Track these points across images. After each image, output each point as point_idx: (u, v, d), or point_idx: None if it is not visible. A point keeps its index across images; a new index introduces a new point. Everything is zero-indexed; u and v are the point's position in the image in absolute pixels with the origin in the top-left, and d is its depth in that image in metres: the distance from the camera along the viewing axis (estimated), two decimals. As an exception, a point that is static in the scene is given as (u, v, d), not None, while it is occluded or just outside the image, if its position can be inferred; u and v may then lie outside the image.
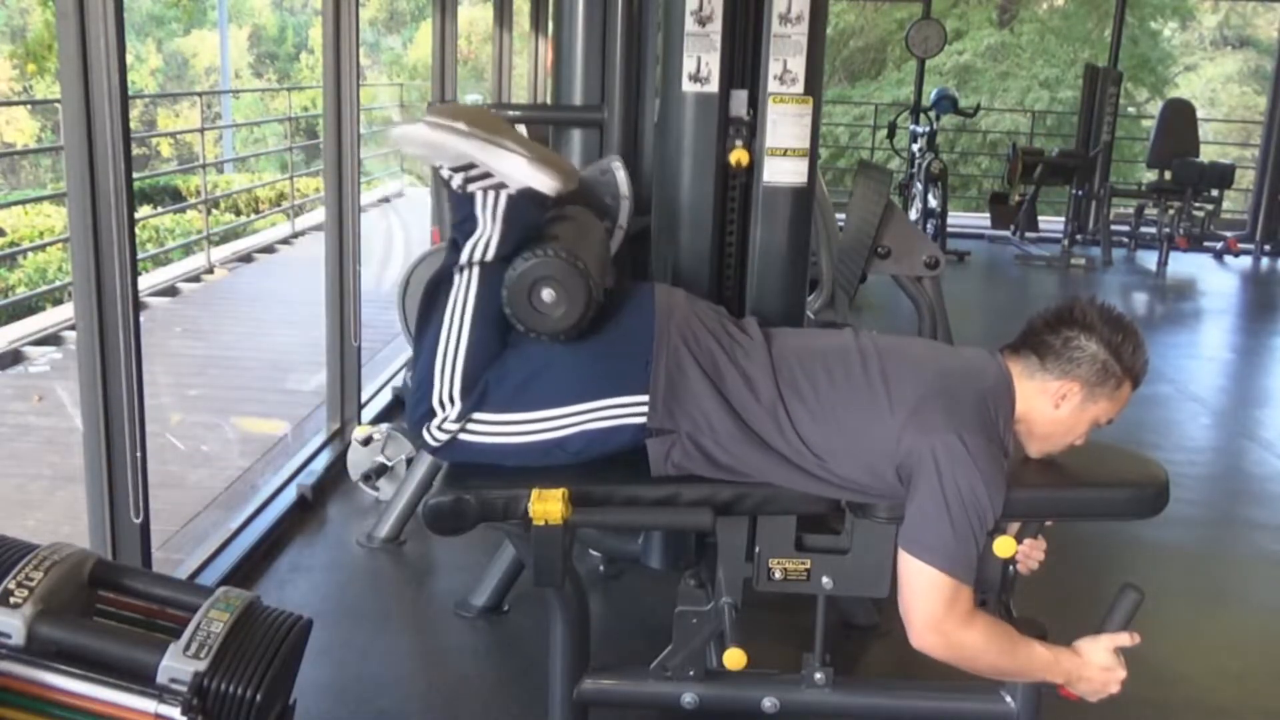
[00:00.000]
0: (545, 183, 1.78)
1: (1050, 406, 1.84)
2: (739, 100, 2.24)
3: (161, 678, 1.47)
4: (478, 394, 1.79)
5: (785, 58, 2.21)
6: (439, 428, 1.80)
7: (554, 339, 1.79)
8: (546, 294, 1.74)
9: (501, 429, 1.80)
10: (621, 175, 2.39)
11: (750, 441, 1.80)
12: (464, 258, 1.81)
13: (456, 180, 1.80)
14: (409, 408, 1.86)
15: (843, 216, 3.79)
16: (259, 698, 1.48)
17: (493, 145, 1.77)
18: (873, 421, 1.78)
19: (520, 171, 1.77)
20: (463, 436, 1.81)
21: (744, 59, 2.24)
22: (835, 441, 1.79)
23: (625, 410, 1.79)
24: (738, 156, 2.24)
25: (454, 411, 1.79)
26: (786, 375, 1.82)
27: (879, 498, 1.82)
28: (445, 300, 1.81)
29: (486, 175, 1.78)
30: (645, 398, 1.78)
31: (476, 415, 1.80)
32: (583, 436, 1.79)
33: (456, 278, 1.81)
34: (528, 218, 1.82)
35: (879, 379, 1.81)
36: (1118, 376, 1.82)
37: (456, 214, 1.83)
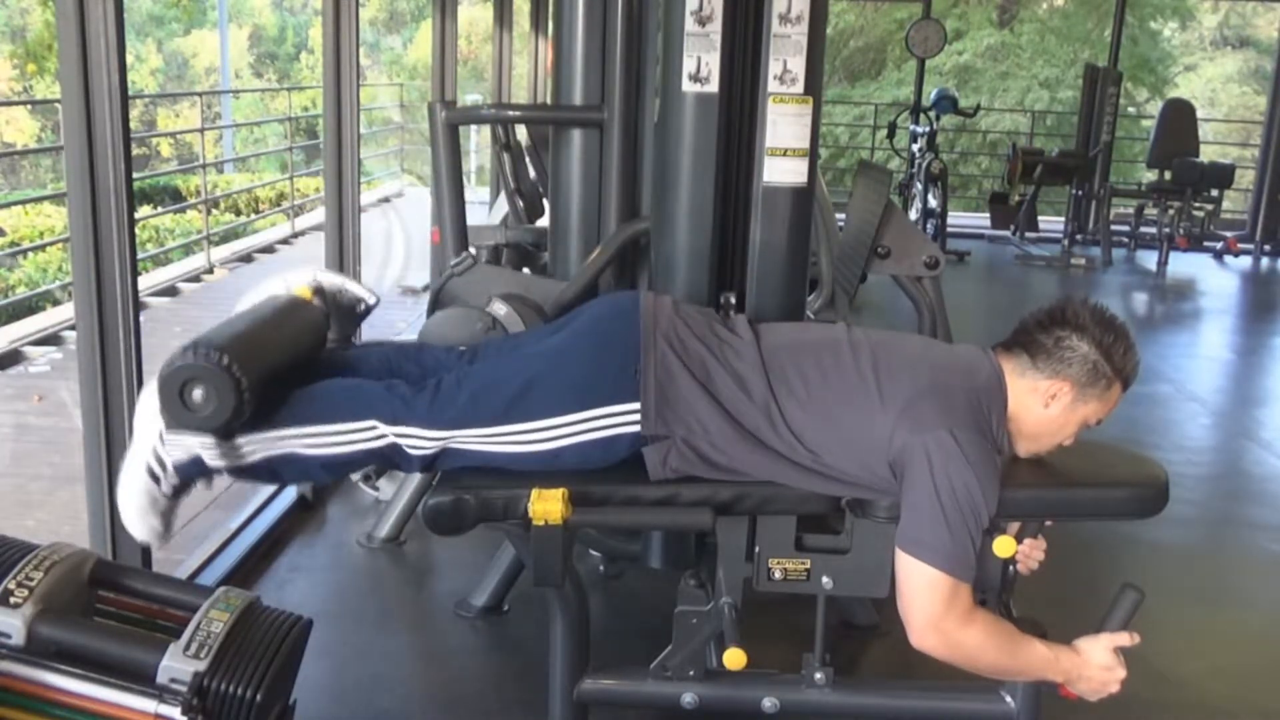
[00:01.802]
0: (150, 395, 1.74)
1: (1040, 406, 1.84)
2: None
3: (161, 678, 1.47)
4: (460, 409, 1.78)
5: (785, 58, 2.21)
6: (404, 439, 1.78)
7: (221, 431, 1.72)
8: (197, 393, 1.68)
9: (496, 440, 1.79)
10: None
11: (745, 441, 1.80)
12: (230, 469, 1.76)
13: (169, 491, 1.77)
14: (392, 467, 1.91)
15: (843, 216, 3.79)
16: (259, 698, 1.48)
17: (125, 471, 1.77)
18: (865, 415, 1.79)
19: (140, 427, 1.77)
20: (456, 446, 1.80)
21: (744, 59, 2.24)
22: (828, 435, 1.79)
23: (619, 419, 1.78)
24: None
25: (384, 426, 1.77)
26: (777, 370, 1.82)
27: (875, 492, 1.82)
28: (276, 464, 1.79)
29: (155, 468, 1.75)
30: (637, 405, 1.78)
31: (466, 431, 1.79)
32: (580, 448, 1.79)
33: (251, 458, 1.77)
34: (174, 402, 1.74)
35: (870, 371, 1.81)
36: (1108, 377, 1.82)
37: (198, 482, 1.80)
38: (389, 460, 1.83)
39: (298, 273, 2.04)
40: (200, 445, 1.73)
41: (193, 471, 1.76)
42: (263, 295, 1.96)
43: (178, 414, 1.69)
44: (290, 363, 1.85)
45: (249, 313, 1.89)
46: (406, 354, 2.01)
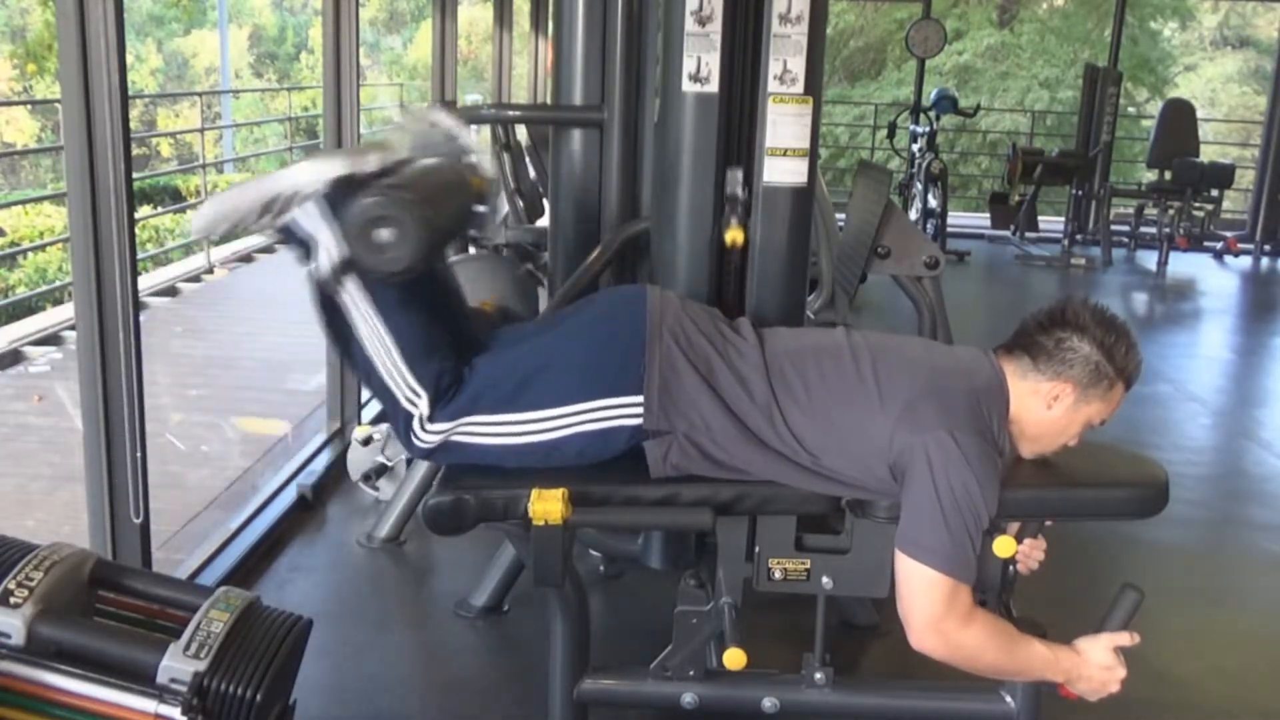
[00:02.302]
0: (337, 166, 1.75)
1: (1043, 407, 1.84)
2: (734, 179, 2.24)
3: (161, 678, 1.47)
4: (469, 397, 1.79)
5: (785, 58, 2.21)
6: (421, 428, 1.80)
7: (401, 278, 1.73)
8: (385, 232, 1.68)
9: (497, 430, 1.80)
10: (447, 120, 2.25)
11: (747, 439, 1.80)
12: (325, 277, 1.77)
13: (269, 225, 1.77)
14: (392, 425, 1.87)
15: (843, 216, 3.79)
16: (259, 698, 1.48)
17: (265, 177, 1.76)
18: (865, 418, 1.79)
19: (303, 174, 1.75)
20: (457, 438, 1.80)
21: (744, 59, 2.24)
22: (828, 438, 1.79)
23: (621, 411, 1.79)
24: (733, 236, 2.23)
25: (424, 402, 1.78)
26: (779, 374, 1.82)
27: (875, 494, 1.82)
28: (345, 321, 1.79)
29: (286, 199, 1.75)
30: (640, 399, 1.78)
31: (471, 418, 1.79)
32: (579, 439, 1.79)
33: (338, 295, 1.78)
34: (350, 202, 1.74)
35: (871, 376, 1.81)
36: (1110, 378, 1.82)
37: (295, 249, 1.79)
38: (396, 419, 1.82)
39: (476, 157, 2.02)
40: (332, 242, 1.72)
41: (296, 240, 1.76)
42: (450, 144, 1.92)
43: (353, 232, 1.69)
44: (444, 250, 1.89)
45: (447, 181, 1.90)
46: (468, 329, 1.99)
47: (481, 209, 2.00)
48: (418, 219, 1.68)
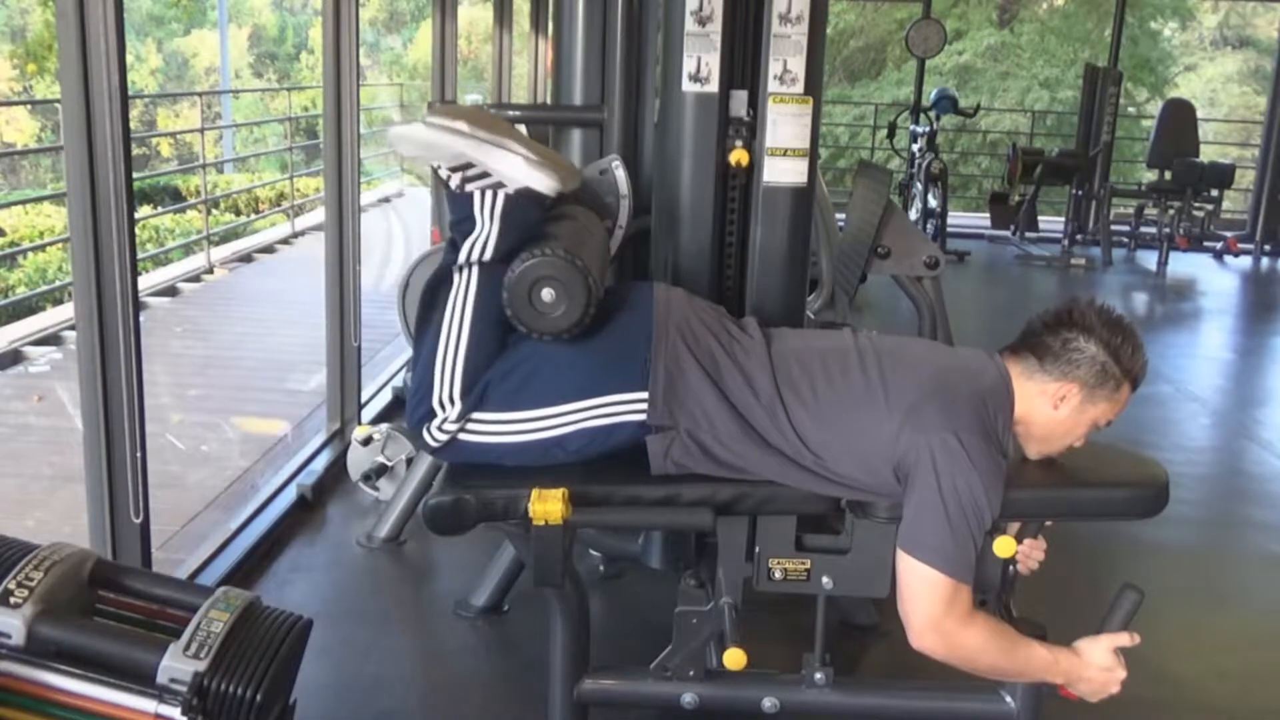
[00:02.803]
0: (544, 182, 1.79)
1: (1049, 408, 1.84)
2: (739, 100, 2.24)
3: (161, 678, 1.47)
4: (477, 394, 1.80)
5: (785, 58, 2.21)
6: (439, 428, 1.81)
7: (555, 338, 1.79)
8: (547, 293, 1.75)
9: (501, 428, 1.80)
10: (621, 174, 2.39)
11: (750, 438, 1.80)
12: (462, 257, 1.81)
13: (455, 180, 1.81)
14: (409, 408, 1.87)
15: (843, 216, 3.79)
16: (259, 698, 1.48)
17: (491, 145, 1.78)
18: (870, 421, 1.79)
19: (518, 171, 1.78)
20: (462, 436, 1.81)
21: (744, 59, 2.24)
22: (833, 440, 1.79)
23: (625, 407, 1.79)
24: (738, 156, 2.24)
25: (454, 412, 1.79)
26: (785, 374, 1.82)
27: (878, 496, 1.82)
28: (445, 300, 1.82)
29: (484, 175, 1.79)
30: (644, 394, 1.78)
31: (476, 415, 1.80)
32: (582, 434, 1.80)
33: (455, 278, 1.82)
34: (526, 217, 1.82)
35: (877, 379, 1.81)
36: (1117, 378, 1.82)
37: (455, 213, 1.83)
38: (419, 410, 1.83)
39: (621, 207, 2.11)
40: (488, 239, 1.79)
41: (460, 202, 1.81)
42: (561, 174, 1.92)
43: (527, 315, 1.76)
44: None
45: (593, 234, 1.98)
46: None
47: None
48: (583, 287, 1.75)
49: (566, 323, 1.77)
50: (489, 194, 1.79)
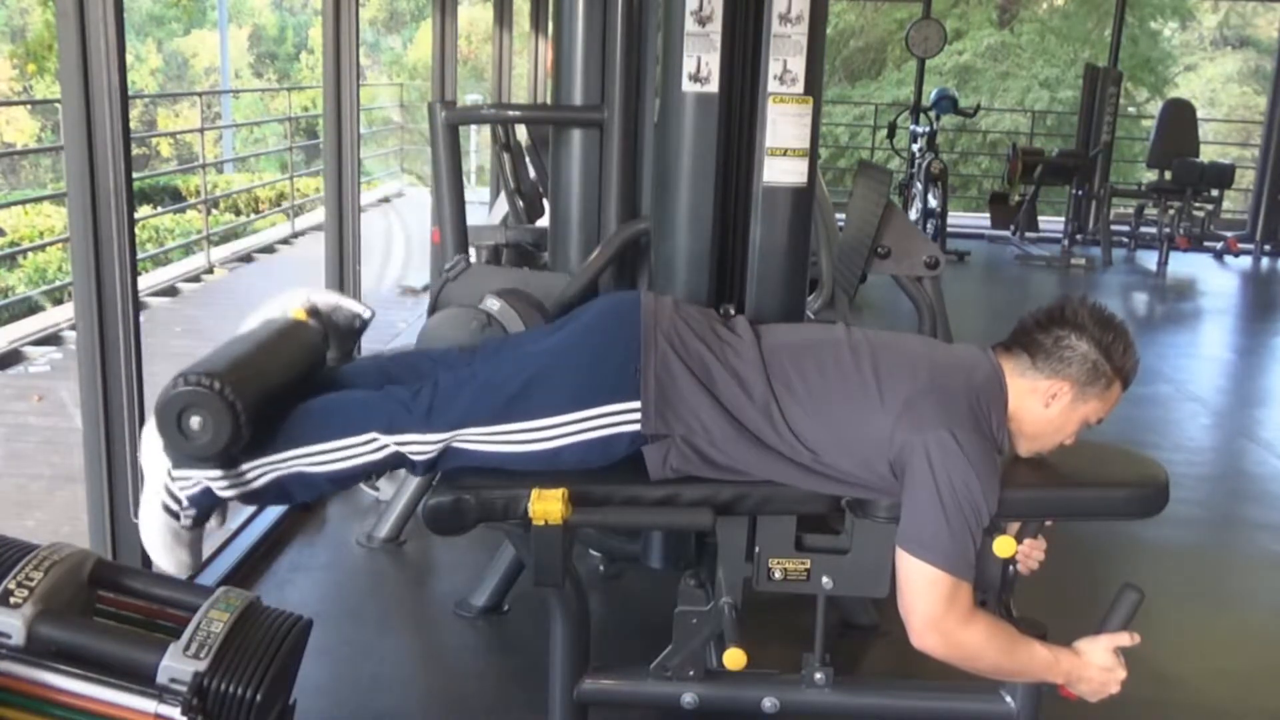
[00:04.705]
0: (150, 433, 1.76)
1: (1040, 405, 1.84)
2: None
3: (161, 678, 1.47)
4: (464, 403, 1.79)
5: (785, 58, 2.21)
6: (411, 451, 1.79)
7: (211, 464, 1.74)
8: (194, 421, 1.67)
9: (496, 439, 1.79)
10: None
11: (746, 440, 1.80)
12: (240, 497, 1.79)
13: (188, 522, 1.79)
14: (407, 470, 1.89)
15: (843, 216, 3.79)
16: (259, 698, 1.48)
17: (142, 511, 1.79)
18: (865, 415, 1.79)
19: (148, 466, 1.78)
20: (457, 445, 1.80)
21: (744, 59, 2.24)
22: (828, 435, 1.79)
23: (618, 418, 1.78)
24: None
25: (383, 436, 1.78)
26: (778, 370, 1.82)
27: (875, 492, 1.82)
28: (284, 485, 1.80)
29: (171, 503, 1.78)
30: (637, 404, 1.78)
31: (466, 430, 1.79)
32: (579, 448, 1.79)
33: (258, 482, 1.79)
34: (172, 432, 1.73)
35: (870, 372, 1.81)
36: (1108, 376, 1.83)
37: (207, 508, 1.80)
38: (391, 466, 1.84)
39: (291, 295, 2.04)
40: (206, 476, 1.75)
41: (206, 502, 1.78)
42: (258, 320, 1.97)
43: (178, 444, 1.69)
44: (288, 384, 1.85)
45: (244, 337, 1.89)
46: (403, 361, 2.01)
47: (339, 317, 2.04)
48: (207, 392, 1.65)
49: (215, 448, 1.68)
50: (168, 481, 1.78)
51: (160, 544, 1.79)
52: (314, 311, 2.03)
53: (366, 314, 2.11)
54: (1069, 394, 1.83)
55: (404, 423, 1.78)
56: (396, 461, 1.81)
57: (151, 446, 1.77)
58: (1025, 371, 1.85)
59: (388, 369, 1.97)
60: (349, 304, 2.10)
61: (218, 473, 1.75)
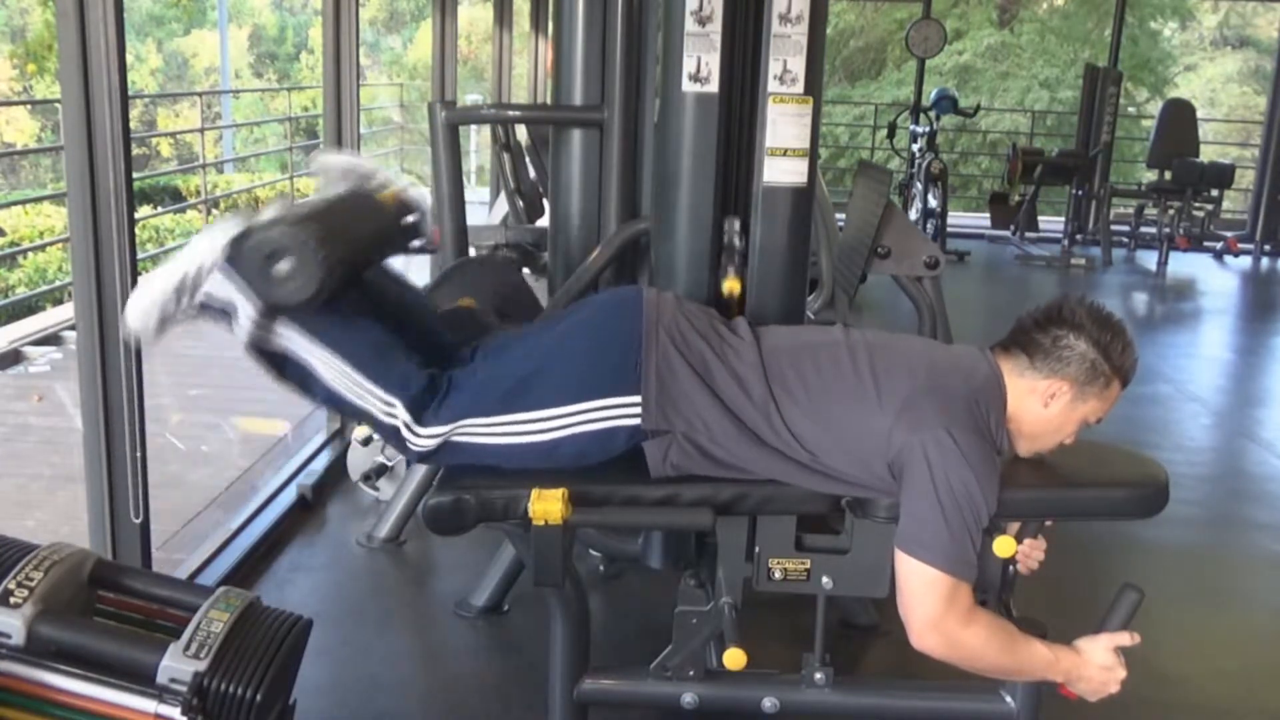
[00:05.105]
0: (226, 229, 1.74)
1: (1039, 405, 1.84)
2: (731, 228, 2.24)
3: (161, 678, 1.47)
4: (465, 396, 1.78)
5: (785, 58, 2.21)
6: (411, 434, 1.79)
7: (301, 309, 1.73)
8: (283, 265, 1.68)
9: (495, 431, 1.79)
10: (339, 159, 2.17)
11: (746, 438, 1.80)
12: (251, 338, 1.77)
13: (187, 308, 1.76)
14: (384, 441, 1.87)
15: (843, 216, 3.79)
16: (259, 698, 1.48)
17: (170, 263, 1.76)
18: (863, 416, 1.79)
19: (201, 246, 1.74)
20: (456, 439, 1.80)
21: (744, 59, 2.24)
22: (826, 436, 1.79)
23: (618, 411, 1.79)
24: (730, 286, 2.22)
25: (401, 410, 1.77)
26: (776, 372, 1.82)
27: (874, 492, 1.82)
28: (293, 363, 1.80)
29: (192, 280, 1.75)
30: (638, 398, 1.78)
31: (468, 421, 1.79)
32: (578, 440, 1.79)
33: (275, 344, 1.79)
34: (249, 262, 1.74)
35: (869, 373, 1.81)
36: (1107, 375, 1.82)
37: (214, 320, 1.79)
38: (383, 432, 1.83)
39: (388, 173, 2.01)
40: (245, 301, 1.73)
41: (218, 312, 1.76)
42: (353, 173, 1.92)
43: (252, 274, 1.69)
44: (366, 267, 1.87)
45: (347, 203, 1.90)
46: (435, 329, 2.00)
47: (411, 219, 2.00)
48: (306, 242, 1.67)
49: (303, 295, 1.69)
50: (210, 280, 1.74)
51: (147, 299, 1.74)
52: (401, 204, 1.99)
53: (432, 248, 2.07)
54: (1068, 393, 1.83)
55: (421, 412, 1.78)
56: (389, 433, 1.80)
57: (214, 240, 1.74)
58: (1024, 371, 1.85)
59: (428, 332, 1.96)
60: (426, 223, 2.07)
61: (255, 308, 1.73)
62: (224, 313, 1.76)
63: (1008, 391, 1.85)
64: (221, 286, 1.73)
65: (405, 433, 1.79)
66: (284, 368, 1.81)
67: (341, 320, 1.79)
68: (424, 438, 1.79)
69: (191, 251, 1.75)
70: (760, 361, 1.84)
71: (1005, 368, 1.86)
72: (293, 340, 1.77)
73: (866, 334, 1.92)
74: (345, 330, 1.79)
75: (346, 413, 1.84)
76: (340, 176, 1.99)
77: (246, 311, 1.73)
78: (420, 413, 1.78)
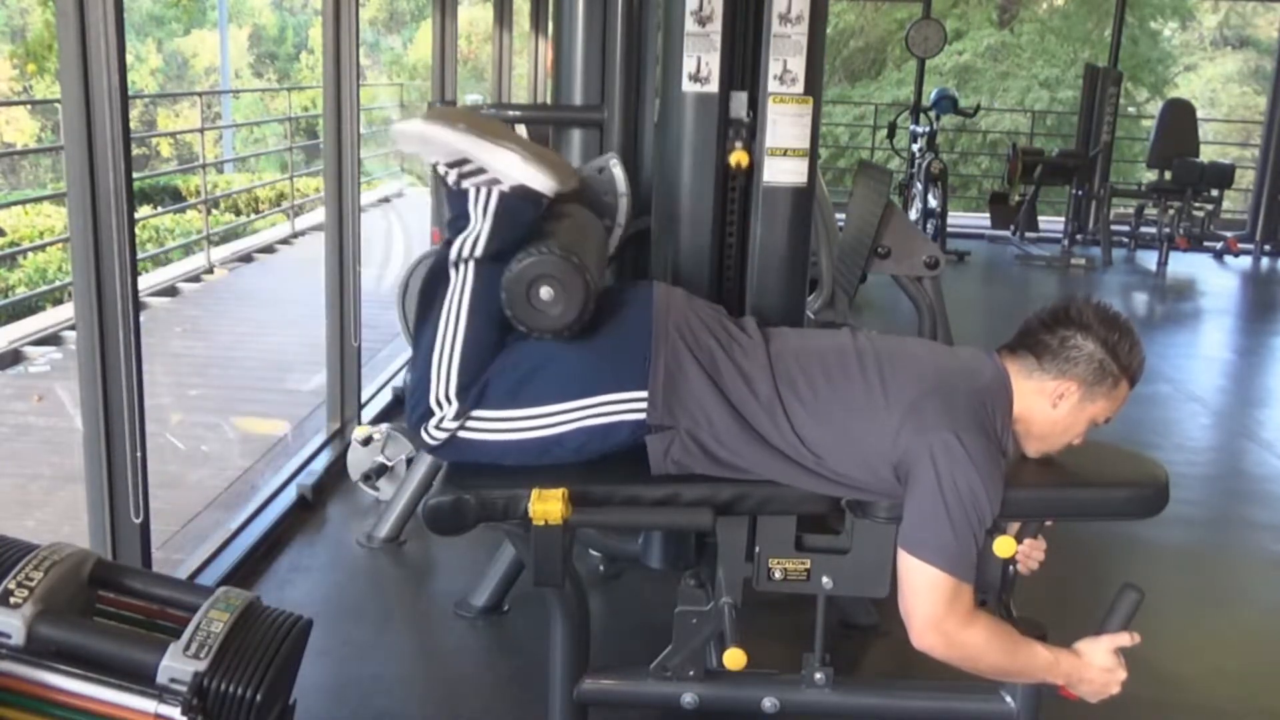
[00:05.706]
0: (540, 180, 1.79)
1: (1048, 406, 1.84)
2: (739, 102, 2.24)
3: (161, 678, 1.47)
4: (476, 392, 1.80)
5: (785, 58, 2.21)
6: (437, 427, 1.81)
7: (555, 337, 1.79)
8: (545, 292, 1.75)
9: (500, 425, 1.80)
10: (619, 172, 2.39)
11: (749, 438, 1.80)
12: (455, 254, 1.82)
13: (451, 176, 1.81)
14: (408, 408, 1.86)
15: (843, 216, 3.79)
16: (259, 698, 1.48)
17: (488, 142, 1.79)
18: (870, 420, 1.79)
19: (515, 169, 1.78)
20: (462, 434, 1.81)
21: (744, 59, 2.24)
22: (832, 440, 1.79)
23: (624, 406, 1.79)
24: (738, 158, 2.24)
25: (451, 410, 1.79)
26: (784, 374, 1.82)
27: (877, 495, 1.82)
28: (442, 298, 1.82)
29: (480, 171, 1.80)
30: (644, 393, 1.78)
31: (475, 413, 1.80)
32: (581, 433, 1.79)
33: (452, 275, 1.82)
34: (520, 215, 1.82)
35: (876, 378, 1.81)
36: (1115, 375, 1.82)
37: (451, 210, 1.84)
38: (413, 408, 1.83)
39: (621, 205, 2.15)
40: (481, 236, 1.80)
41: (455, 198, 1.83)
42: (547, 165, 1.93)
43: (522, 309, 1.77)
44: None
45: (591, 232, 2.01)
46: None
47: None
48: (582, 285, 1.75)
49: (564, 321, 1.77)
50: (484, 191, 1.80)
51: (440, 135, 1.80)
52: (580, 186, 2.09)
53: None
54: (1076, 394, 1.83)
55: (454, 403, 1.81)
56: (424, 416, 1.81)
57: (524, 169, 1.79)
58: (1032, 373, 1.85)
59: None
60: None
61: (482, 248, 1.80)
62: (459, 205, 1.82)
63: (1016, 393, 1.85)
64: (482, 206, 1.79)
65: (432, 424, 1.80)
66: (432, 292, 1.84)
67: (494, 316, 1.81)
68: (442, 431, 1.81)
69: (499, 157, 1.79)
70: (769, 363, 1.84)
71: (1013, 369, 1.86)
72: (463, 287, 1.81)
73: (874, 339, 1.92)
74: (488, 325, 1.81)
75: (415, 368, 1.84)
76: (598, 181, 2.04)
77: (474, 243, 1.79)
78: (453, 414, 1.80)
